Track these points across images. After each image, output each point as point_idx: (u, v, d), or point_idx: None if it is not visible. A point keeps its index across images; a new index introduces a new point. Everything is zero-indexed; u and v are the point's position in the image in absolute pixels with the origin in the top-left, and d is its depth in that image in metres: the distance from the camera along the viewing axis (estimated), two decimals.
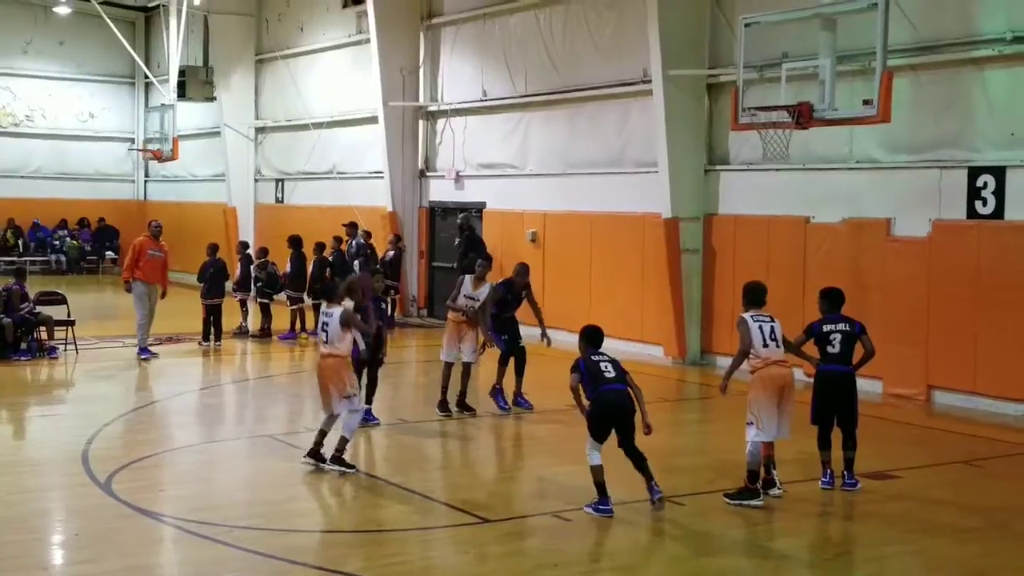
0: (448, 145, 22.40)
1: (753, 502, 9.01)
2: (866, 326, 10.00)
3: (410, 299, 22.81)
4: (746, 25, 12.89)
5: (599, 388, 8.76)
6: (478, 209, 21.44)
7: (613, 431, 8.74)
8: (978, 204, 13.48)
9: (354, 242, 21.19)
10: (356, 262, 20.76)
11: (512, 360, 13.09)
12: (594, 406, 8.81)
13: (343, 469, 9.92)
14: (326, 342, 10.18)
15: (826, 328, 9.69)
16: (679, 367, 16.79)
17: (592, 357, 8.98)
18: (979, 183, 13.46)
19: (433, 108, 22.62)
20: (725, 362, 16.30)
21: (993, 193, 13.32)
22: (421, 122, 22.92)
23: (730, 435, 10.72)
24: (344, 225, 21.33)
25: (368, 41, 22.71)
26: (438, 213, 22.76)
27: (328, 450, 10.01)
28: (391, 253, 21.47)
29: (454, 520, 8.82)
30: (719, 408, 12.25)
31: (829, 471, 9.61)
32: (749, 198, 16.46)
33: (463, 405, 12.82)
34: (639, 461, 8.70)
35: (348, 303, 10.80)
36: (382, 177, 22.85)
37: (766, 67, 13.07)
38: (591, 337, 9.23)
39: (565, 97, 19.40)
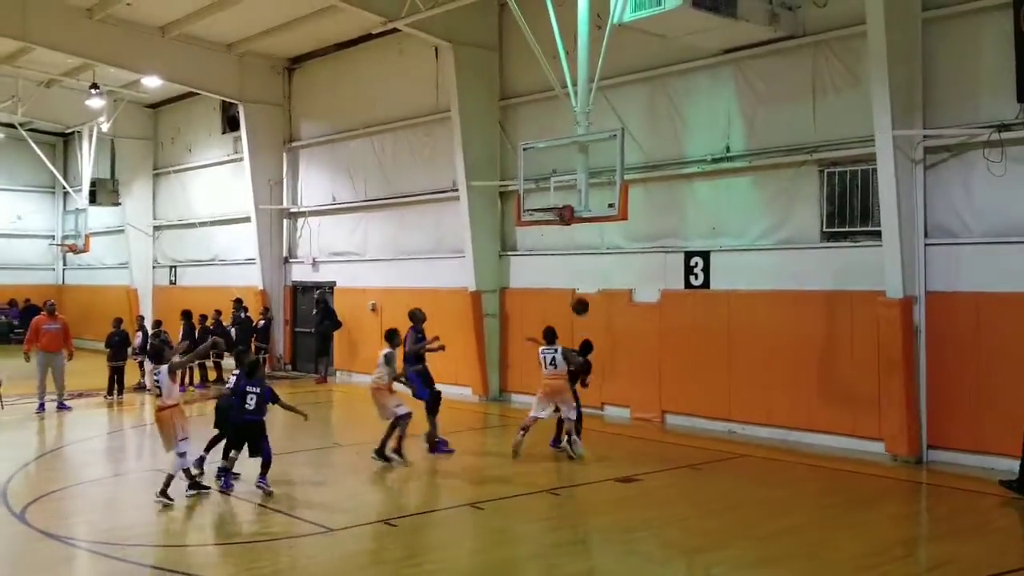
0: (306, 238, 21.76)
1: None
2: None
3: (278, 357, 21.90)
4: (524, 149, 12.94)
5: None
6: (330, 286, 20.84)
7: None
8: (692, 278, 13.88)
9: (235, 315, 20.38)
10: (233, 329, 19.98)
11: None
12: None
13: (165, 500, 8.92)
14: (159, 396, 9.33)
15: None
16: (483, 403, 16.58)
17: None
18: (692, 263, 13.86)
19: (294, 210, 21.98)
20: (519, 398, 16.32)
21: (702, 270, 13.74)
22: (285, 220, 22.24)
23: (525, 450, 10.52)
24: (233, 301, 20.55)
25: (242, 159, 21.98)
26: (299, 290, 22.00)
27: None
28: (262, 322, 20.77)
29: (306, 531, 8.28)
30: (514, 433, 12.05)
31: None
32: (532, 275, 16.53)
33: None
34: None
35: (176, 358, 9.81)
36: (255, 263, 22.01)
37: (540, 179, 13.16)
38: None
39: (395, 201, 19.17)
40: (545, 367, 11.30)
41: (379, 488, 10.18)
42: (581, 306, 11.88)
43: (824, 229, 12.44)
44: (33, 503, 9.12)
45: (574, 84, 12.06)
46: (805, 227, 12.65)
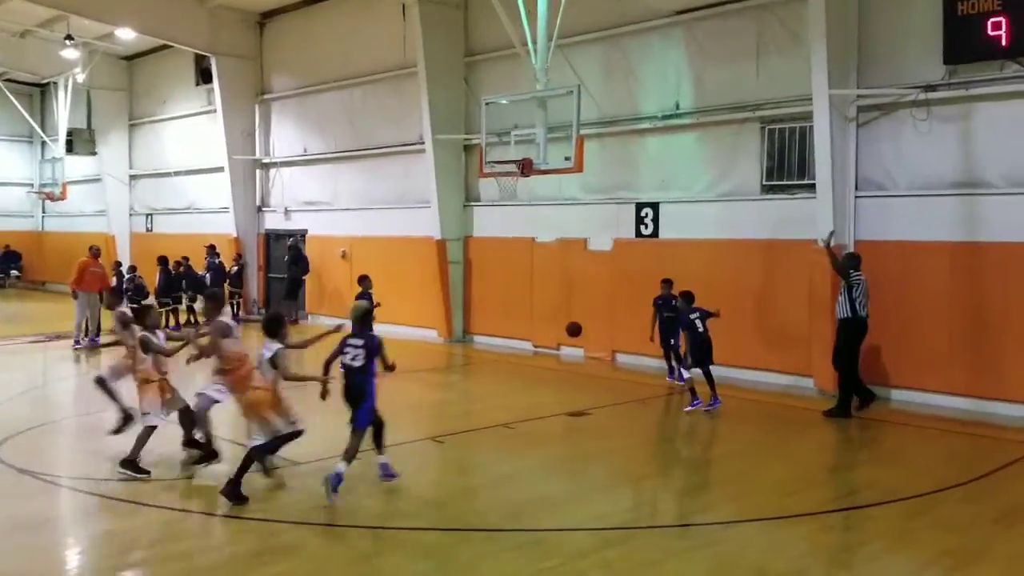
0: (278, 187, 21.48)
1: None
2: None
3: (251, 301, 21.77)
4: (487, 104, 12.86)
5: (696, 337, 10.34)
6: (302, 234, 20.66)
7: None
8: (642, 227, 14.03)
9: (208, 260, 20.19)
10: (207, 275, 19.84)
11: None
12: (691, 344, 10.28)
13: (131, 473, 7.54)
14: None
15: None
16: (448, 344, 16.69)
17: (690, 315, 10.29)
18: (643, 213, 14.00)
19: (266, 160, 21.63)
20: (481, 339, 16.48)
21: (652, 220, 13.89)
22: (257, 170, 21.88)
23: (485, 388, 10.66)
24: (206, 247, 20.35)
25: (216, 111, 21.52)
26: (272, 238, 21.76)
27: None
28: (235, 268, 20.61)
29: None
30: (475, 372, 12.21)
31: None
32: (493, 225, 16.54)
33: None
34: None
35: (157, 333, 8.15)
36: (228, 211, 21.70)
37: (502, 134, 13.08)
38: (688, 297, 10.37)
39: (364, 153, 18.96)
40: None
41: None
42: (574, 329, 10.31)
43: (764, 182, 12.63)
44: (7, 440, 8.92)
45: (534, 42, 11.98)
46: (746, 180, 12.81)
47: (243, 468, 6.92)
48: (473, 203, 16.95)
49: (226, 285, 19.79)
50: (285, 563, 5.84)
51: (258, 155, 21.66)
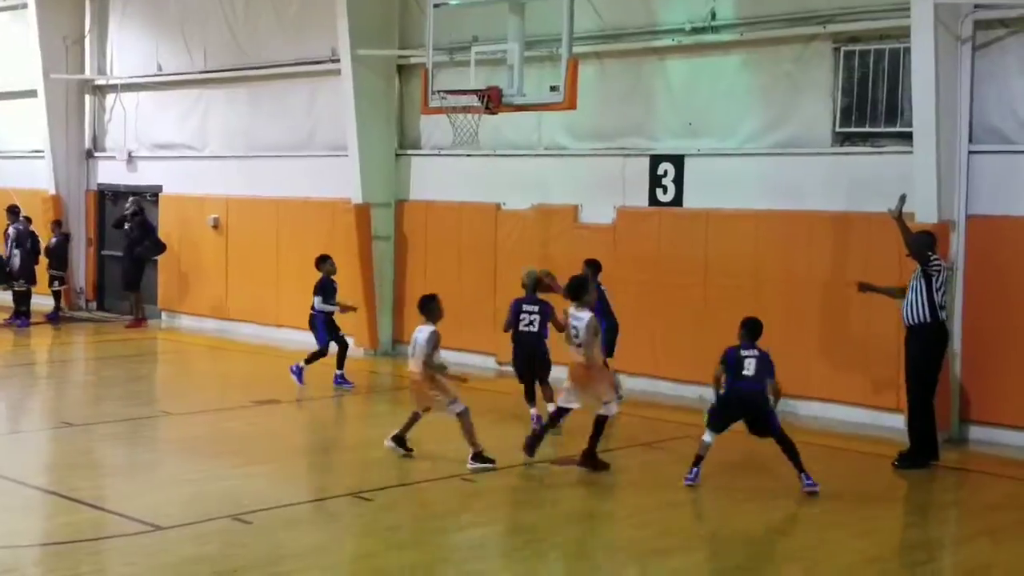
0: (119, 123, 21.29)
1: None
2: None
3: (77, 291, 21.47)
4: (435, 6, 12.80)
5: (735, 383, 9.43)
6: (153, 193, 20.47)
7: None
8: (659, 191, 14.08)
9: (12, 228, 19.88)
10: (17, 250, 19.59)
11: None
12: (725, 396, 9.56)
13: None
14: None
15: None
16: (371, 358, 16.60)
17: (741, 351, 9.47)
18: (660, 171, 14.04)
19: (101, 82, 21.41)
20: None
21: (673, 181, 13.94)
22: (88, 97, 21.69)
23: (429, 424, 10.63)
24: (7, 209, 20.12)
25: (26, 6, 21.15)
26: (108, 197, 21.55)
27: None
28: (54, 240, 20.33)
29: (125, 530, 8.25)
30: (407, 399, 12.20)
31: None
32: (441, 184, 16.51)
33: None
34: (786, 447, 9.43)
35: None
36: (43, 157, 21.44)
37: (456, 50, 13.04)
38: (752, 329, 9.65)
39: (248, 75, 18.83)
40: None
41: (227, 473, 10.16)
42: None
43: (837, 129, 12.74)
44: None
45: None
46: (812, 126, 12.91)
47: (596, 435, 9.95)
48: (410, 151, 16.90)
49: (38, 264, 19.56)
50: None
51: (88, 73, 21.43)
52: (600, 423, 10.01)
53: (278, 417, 13.00)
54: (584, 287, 10.32)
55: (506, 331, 11.60)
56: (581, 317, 10.03)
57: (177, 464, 10.60)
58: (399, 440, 10.41)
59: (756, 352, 9.56)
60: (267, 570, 7.46)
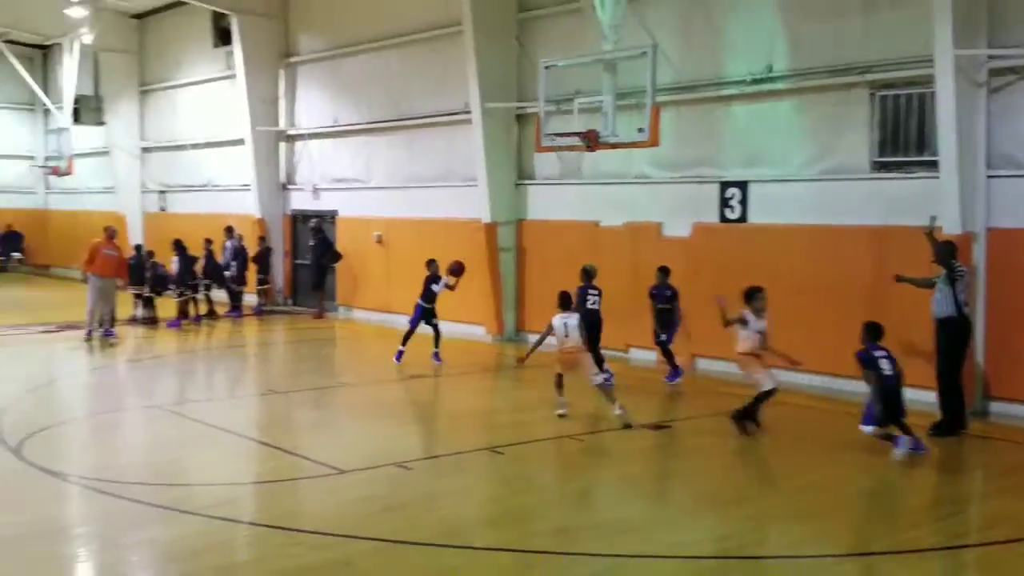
0: (306, 163, 21.49)
1: None
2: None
3: (277, 290, 21.84)
4: (545, 67, 12.61)
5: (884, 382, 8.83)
6: (332, 215, 20.63)
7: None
8: (727, 211, 13.61)
9: (229, 243, 20.31)
10: (234, 261, 20.03)
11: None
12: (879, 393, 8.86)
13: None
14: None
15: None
16: (498, 343, 16.47)
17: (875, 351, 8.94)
18: (727, 194, 13.58)
19: (292, 132, 21.64)
20: (535, 337, 16.18)
21: (739, 202, 13.46)
22: (282, 144, 21.91)
23: (543, 394, 10.48)
24: (225, 229, 20.48)
25: (236, 76, 21.56)
26: (299, 219, 21.76)
27: None
28: (259, 251, 20.83)
29: (315, 472, 8.28)
30: (531, 375, 12.07)
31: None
32: (551, 206, 16.25)
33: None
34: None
35: None
36: (250, 189, 21.76)
37: (562, 101, 12.81)
38: (874, 331, 9.10)
39: (402, 124, 18.80)
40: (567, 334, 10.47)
41: (392, 431, 10.12)
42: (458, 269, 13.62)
43: (874, 159, 12.10)
44: (28, 437, 9.14)
45: None
46: (853, 156, 12.30)
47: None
48: (527, 181, 16.67)
49: (248, 271, 19.94)
50: None
51: (283, 126, 21.67)
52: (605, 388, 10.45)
53: (426, 387, 12.99)
54: (568, 301, 10.61)
55: (576, 310, 10.89)
56: (570, 319, 10.34)
57: (353, 423, 10.65)
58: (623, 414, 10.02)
59: (885, 351, 9.03)
60: (424, 505, 7.45)
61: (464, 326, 16.86)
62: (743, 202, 13.38)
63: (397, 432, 10.07)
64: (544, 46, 15.66)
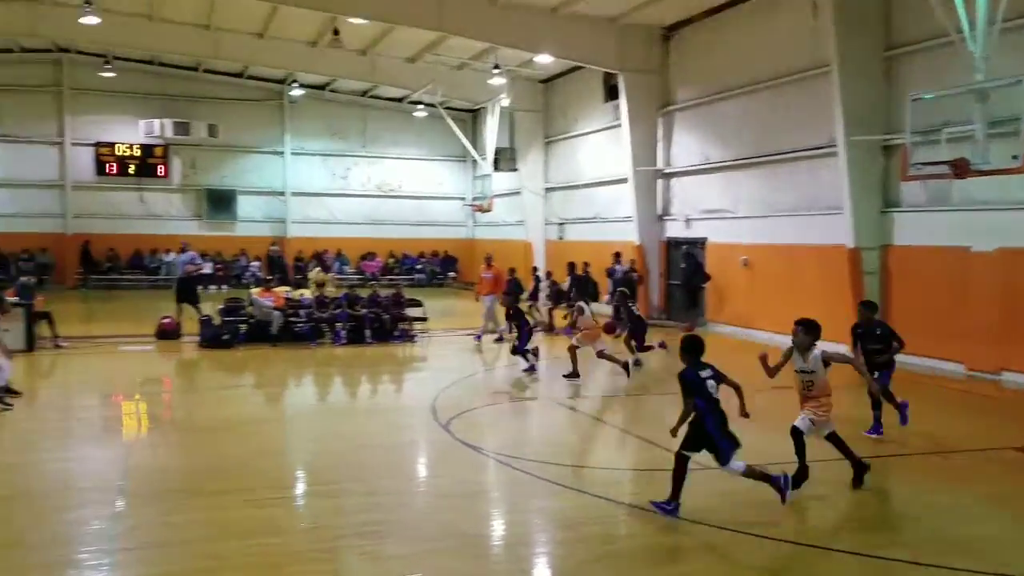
0: (679, 196, 21.95)
1: None
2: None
3: (654, 306, 22.57)
4: (912, 100, 11.85)
5: None
6: (702, 242, 20.90)
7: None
8: None
9: (617, 267, 21.37)
10: (610, 282, 21.00)
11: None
12: None
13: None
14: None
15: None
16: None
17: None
18: None
19: (667, 170, 22.24)
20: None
21: None
22: (659, 180, 22.57)
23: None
24: (613, 255, 21.80)
25: (620, 125, 22.70)
26: (673, 246, 22.32)
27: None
28: (634, 275, 21.60)
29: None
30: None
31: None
32: (917, 232, 15.09)
33: None
34: None
35: None
36: (632, 220, 22.71)
37: (927, 132, 11.93)
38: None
39: (767, 159, 18.56)
40: None
41: (752, 436, 10.03)
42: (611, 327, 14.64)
43: None
44: (455, 417, 10.47)
45: (972, 27, 10.73)
46: None
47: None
48: (892, 209, 15.64)
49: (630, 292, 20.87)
50: (693, 563, 6.05)
51: (660, 165, 22.33)
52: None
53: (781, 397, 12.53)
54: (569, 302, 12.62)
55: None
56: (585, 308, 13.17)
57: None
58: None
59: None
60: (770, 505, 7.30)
61: (829, 344, 16.16)
62: None
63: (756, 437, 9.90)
64: (909, 80, 14.64)
